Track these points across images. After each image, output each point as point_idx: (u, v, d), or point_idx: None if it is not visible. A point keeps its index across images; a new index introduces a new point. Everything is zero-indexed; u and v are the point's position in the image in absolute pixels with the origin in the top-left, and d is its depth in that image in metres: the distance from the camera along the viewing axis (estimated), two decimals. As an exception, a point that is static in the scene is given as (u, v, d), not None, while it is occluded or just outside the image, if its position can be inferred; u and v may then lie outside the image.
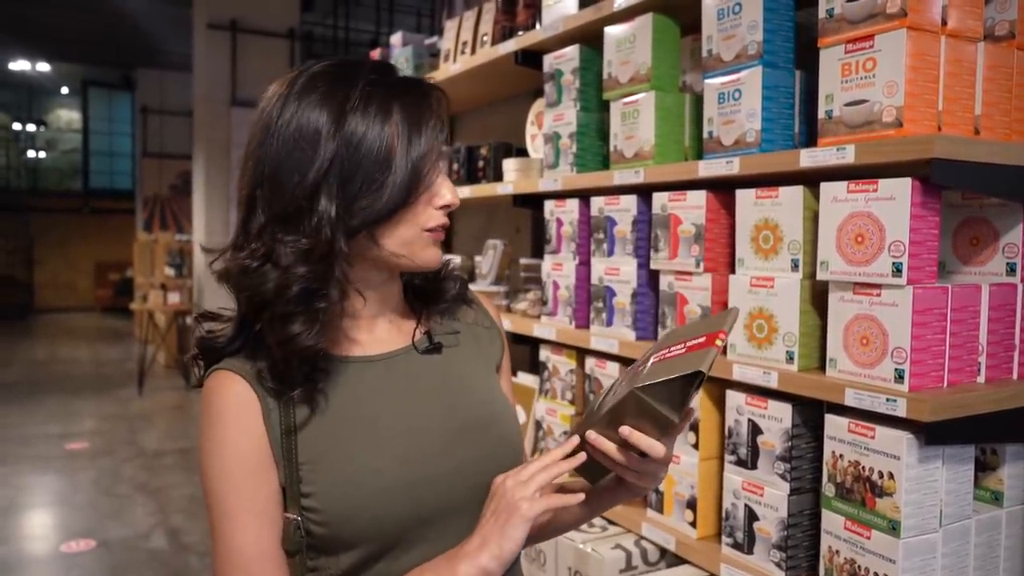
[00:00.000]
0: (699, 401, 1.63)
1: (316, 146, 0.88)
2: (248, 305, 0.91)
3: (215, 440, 0.89)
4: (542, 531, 1.10)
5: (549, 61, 2.11)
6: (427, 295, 1.06)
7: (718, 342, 0.85)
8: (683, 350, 0.88)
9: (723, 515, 1.56)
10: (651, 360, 0.92)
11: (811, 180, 1.42)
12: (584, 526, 1.89)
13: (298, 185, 0.88)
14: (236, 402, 0.90)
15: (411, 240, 0.93)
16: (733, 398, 1.54)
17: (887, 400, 1.23)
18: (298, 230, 0.88)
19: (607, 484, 1.01)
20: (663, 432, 0.89)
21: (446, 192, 0.95)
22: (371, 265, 0.95)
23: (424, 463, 0.93)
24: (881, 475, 1.25)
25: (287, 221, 0.88)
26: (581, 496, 0.92)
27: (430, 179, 0.93)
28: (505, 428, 1.02)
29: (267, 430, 0.90)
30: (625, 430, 0.88)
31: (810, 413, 1.44)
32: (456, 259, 2.84)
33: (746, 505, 1.50)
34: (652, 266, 1.76)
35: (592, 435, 0.91)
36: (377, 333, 1.00)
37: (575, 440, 0.93)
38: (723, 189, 1.62)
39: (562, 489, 1.05)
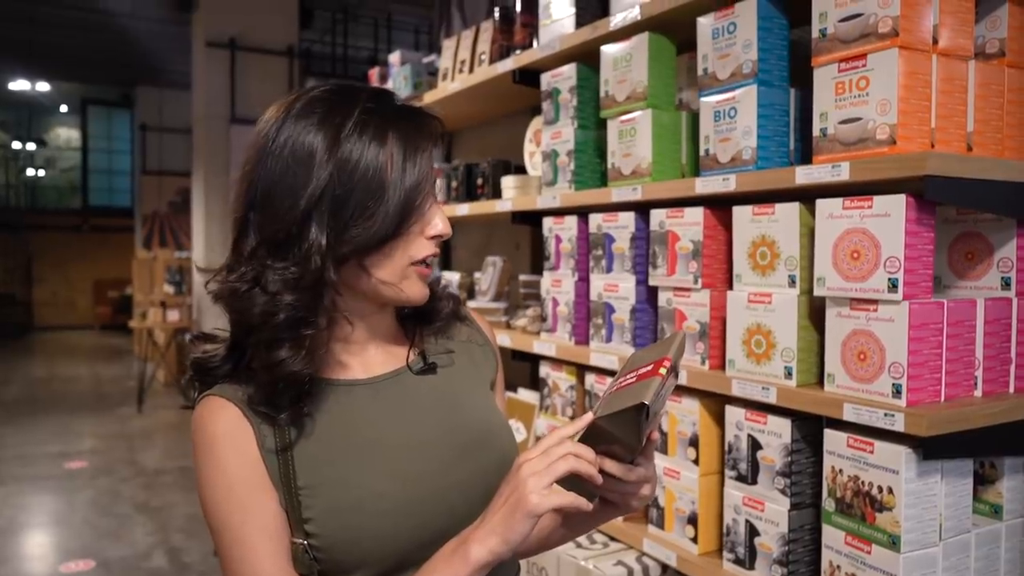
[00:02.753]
0: (699, 416, 1.64)
1: (309, 171, 0.87)
2: (237, 327, 0.91)
3: (213, 467, 0.89)
4: (541, 544, 1.10)
5: (546, 79, 2.13)
6: (420, 315, 1.06)
7: (662, 370, 0.85)
8: (634, 379, 0.88)
9: (724, 531, 1.57)
10: (613, 388, 0.91)
11: (807, 197, 1.43)
12: (586, 543, 1.89)
13: (289, 211, 0.87)
14: (227, 428, 0.89)
15: (400, 271, 0.93)
16: (732, 413, 1.55)
17: (885, 415, 1.24)
18: (288, 256, 0.88)
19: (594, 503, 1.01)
20: (633, 454, 0.89)
21: (438, 222, 0.95)
22: (362, 296, 0.95)
23: (423, 484, 0.93)
24: (880, 490, 1.26)
25: (277, 246, 0.89)
26: (590, 505, 0.88)
27: (422, 209, 0.93)
28: (502, 444, 1.02)
29: (262, 455, 0.89)
30: (596, 458, 0.87)
31: (809, 428, 1.44)
32: (453, 276, 2.85)
33: (747, 520, 1.51)
34: (650, 282, 1.77)
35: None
36: (370, 356, 1.00)
37: (588, 418, 0.88)
38: (720, 206, 1.63)
39: None
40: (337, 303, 0.92)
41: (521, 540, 0.83)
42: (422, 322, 1.06)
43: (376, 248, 0.90)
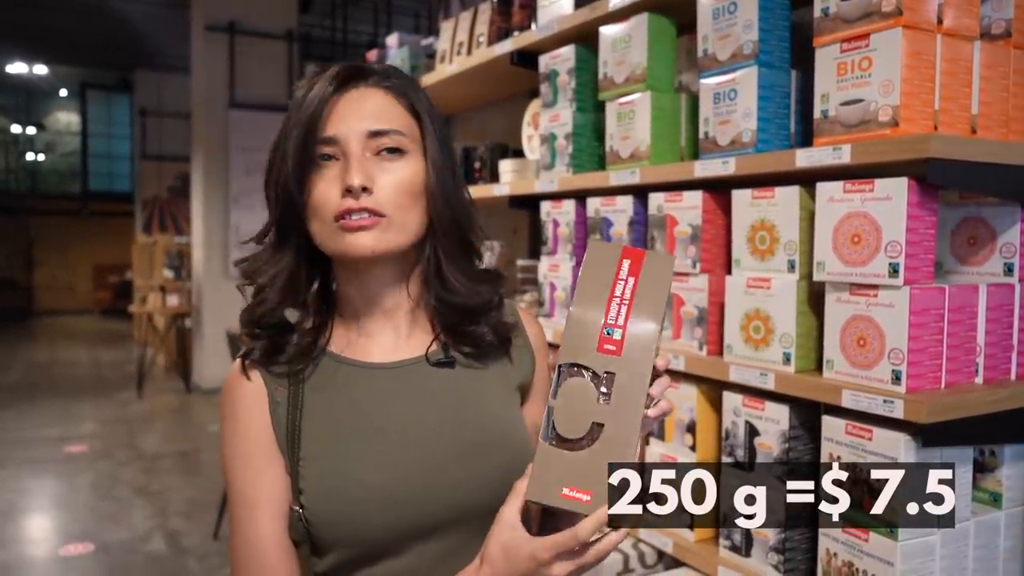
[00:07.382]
0: (696, 402, 1.62)
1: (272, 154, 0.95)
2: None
3: (232, 431, 0.94)
4: None
5: (545, 61, 2.11)
6: (461, 334, 0.99)
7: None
8: (633, 283, 0.84)
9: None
10: (610, 320, 0.83)
11: (807, 180, 1.41)
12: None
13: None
14: (245, 393, 0.94)
15: (324, 230, 0.92)
16: (730, 399, 1.53)
17: (884, 401, 1.23)
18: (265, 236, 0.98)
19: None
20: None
21: (350, 176, 0.88)
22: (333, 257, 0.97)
23: (412, 477, 0.90)
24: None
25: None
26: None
27: (320, 164, 0.91)
28: (513, 453, 0.94)
29: (273, 422, 0.93)
30: (656, 388, 0.84)
31: (807, 415, 1.43)
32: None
33: (743, 507, 1.49)
34: (648, 267, 1.75)
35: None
36: (391, 343, 0.97)
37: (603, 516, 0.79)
38: (719, 189, 1.61)
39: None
40: (334, 272, 0.98)
41: None
42: (462, 341, 0.99)
43: (298, 210, 0.92)
